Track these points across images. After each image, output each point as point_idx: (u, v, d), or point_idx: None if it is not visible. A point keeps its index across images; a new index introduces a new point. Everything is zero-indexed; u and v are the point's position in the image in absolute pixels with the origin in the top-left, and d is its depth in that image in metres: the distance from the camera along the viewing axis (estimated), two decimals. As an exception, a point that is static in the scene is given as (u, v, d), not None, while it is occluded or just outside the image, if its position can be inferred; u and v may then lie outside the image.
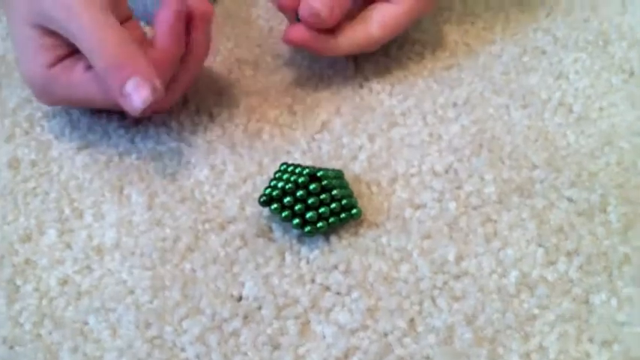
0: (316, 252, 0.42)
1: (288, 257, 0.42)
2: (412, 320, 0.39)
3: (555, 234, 0.42)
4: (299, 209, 0.41)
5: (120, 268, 0.41)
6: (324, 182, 0.41)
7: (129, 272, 0.41)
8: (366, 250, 0.42)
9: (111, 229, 0.43)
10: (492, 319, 0.38)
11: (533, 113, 0.49)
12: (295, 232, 0.43)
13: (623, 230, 0.42)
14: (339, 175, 0.44)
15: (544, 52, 0.54)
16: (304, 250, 0.42)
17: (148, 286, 0.40)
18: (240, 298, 0.40)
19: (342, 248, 0.42)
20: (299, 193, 0.41)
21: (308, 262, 0.41)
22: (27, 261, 0.42)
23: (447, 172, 0.46)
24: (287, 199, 0.41)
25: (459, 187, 0.45)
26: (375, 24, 0.49)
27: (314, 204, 0.41)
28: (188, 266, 0.41)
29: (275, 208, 0.42)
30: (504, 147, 0.47)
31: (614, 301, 0.39)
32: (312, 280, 0.41)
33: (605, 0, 0.59)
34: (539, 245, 0.42)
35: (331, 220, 0.42)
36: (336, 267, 0.41)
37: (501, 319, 0.38)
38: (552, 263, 0.41)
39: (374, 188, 0.45)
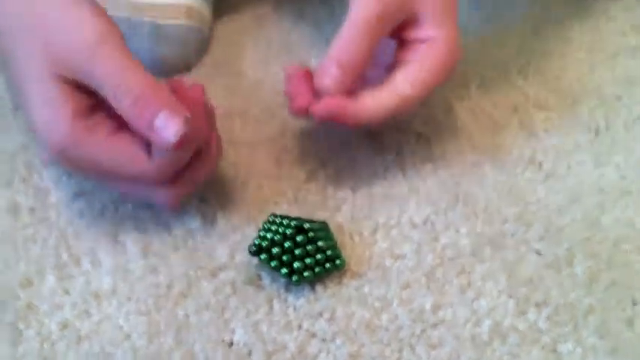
0: (303, 300, 0.44)
1: (277, 305, 0.44)
2: (392, 366, 0.42)
3: (525, 285, 0.45)
4: (287, 259, 0.44)
5: (117, 313, 0.44)
6: (310, 234, 0.44)
7: (125, 318, 0.43)
8: (349, 298, 0.45)
9: (107, 276, 0.45)
10: (467, 367, 0.41)
11: (505, 169, 0.53)
12: (283, 280, 0.45)
13: (588, 282, 0.45)
14: (324, 227, 0.47)
15: (516, 110, 0.58)
16: (291, 298, 0.44)
17: (144, 332, 0.43)
18: (231, 344, 0.42)
19: (327, 297, 0.45)
20: (287, 244, 0.44)
21: (295, 310, 0.44)
22: (29, 305, 0.44)
23: (424, 223, 0.49)
24: (275, 250, 0.44)
25: (435, 239, 0.48)
26: (401, 83, 0.48)
27: (301, 255, 0.44)
28: (181, 312, 0.44)
29: (264, 258, 0.44)
30: (478, 201, 0.50)
31: (579, 350, 0.42)
32: (299, 327, 0.43)
33: (575, 61, 0.63)
34: (510, 296, 0.45)
35: (317, 270, 0.44)
36: (321, 314, 0.44)
37: (475, 366, 0.41)
38: (523, 313, 0.44)
39: (356, 238, 0.48)
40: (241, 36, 0.65)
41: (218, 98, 0.58)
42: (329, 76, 0.47)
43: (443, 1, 0.48)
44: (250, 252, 0.45)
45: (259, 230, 0.46)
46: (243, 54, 0.63)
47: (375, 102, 0.47)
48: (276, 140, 0.55)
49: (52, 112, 0.42)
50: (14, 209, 0.49)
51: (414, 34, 0.49)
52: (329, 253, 0.45)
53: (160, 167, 0.43)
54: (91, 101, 0.43)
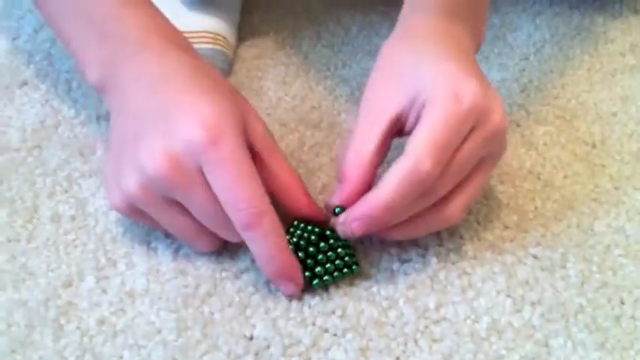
0: (317, 299, 0.49)
1: (293, 303, 0.48)
2: (398, 359, 0.45)
3: (522, 286, 0.49)
4: (310, 263, 0.49)
5: (149, 310, 0.48)
6: (331, 241, 0.49)
7: (157, 314, 0.48)
8: (359, 297, 0.49)
9: (141, 277, 0.50)
10: (465, 359, 0.45)
11: (506, 180, 0.57)
12: (299, 281, 0.50)
13: (579, 284, 0.49)
14: None
15: (518, 125, 0.62)
16: (307, 297, 0.49)
17: (174, 327, 0.47)
18: (252, 338, 0.47)
19: (339, 296, 0.49)
20: (310, 249, 0.49)
21: (310, 308, 0.48)
22: (69, 303, 0.48)
23: (431, 232, 0.53)
24: (300, 254, 0.48)
25: (440, 245, 0.52)
26: (407, 147, 0.45)
27: (322, 260, 0.48)
28: (207, 309, 0.48)
29: None
30: (481, 209, 0.54)
31: (569, 345, 0.46)
32: (313, 323, 0.47)
33: (574, 79, 0.67)
34: (508, 296, 0.49)
35: (335, 274, 0.49)
36: (333, 312, 0.48)
37: (473, 358, 0.45)
38: (518, 311, 0.48)
39: (367, 244, 0.52)
40: (262, 59, 0.70)
41: (241, 116, 0.63)
42: (356, 222, 0.46)
43: (424, 73, 0.47)
44: None
45: (284, 234, 0.50)
46: (264, 75, 0.68)
47: (391, 181, 0.44)
48: (293, 154, 0.59)
49: (229, 108, 0.47)
50: (57, 217, 0.54)
51: (412, 121, 0.48)
52: (347, 259, 0.49)
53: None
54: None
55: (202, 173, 0.45)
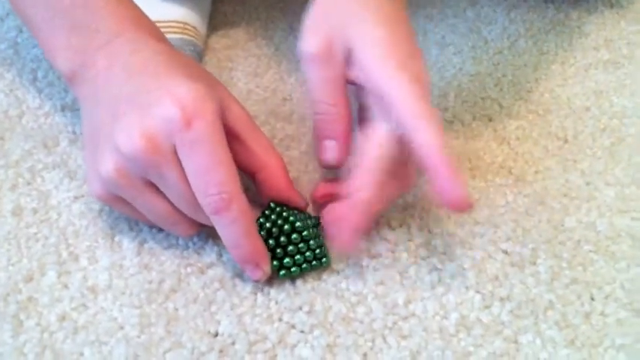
0: (284, 294, 0.48)
1: (260, 298, 0.48)
2: (365, 355, 0.45)
3: (491, 282, 0.49)
4: (279, 253, 0.48)
5: (112, 306, 0.47)
6: (304, 233, 0.48)
7: (119, 310, 0.47)
8: (327, 293, 0.48)
9: (104, 272, 0.49)
10: (433, 356, 0.45)
11: (477, 175, 0.56)
12: (266, 276, 0.49)
13: (549, 280, 0.49)
14: (316, 223, 0.50)
15: (491, 119, 0.61)
16: (273, 292, 0.48)
17: (137, 323, 0.46)
18: (216, 334, 0.46)
19: (307, 291, 0.48)
20: (282, 239, 0.48)
21: (276, 303, 0.47)
22: (29, 299, 0.47)
23: (400, 226, 0.52)
24: (270, 242, 0.47)
25: (410, 240, 0.51)
26: (374, 131, 0.47)
27: (292, 252, 0.48)
28: (171, 305, 0.47)
29: None
30: (451, 204, 0.54)
31: (538, 341, 0.45)
32: (280, 319, 0.47)
33: (548, 74, 0.67)
34: (477, 292, 0.48)
35: (304, 266, 0.48)
36: (300, 308, 0.47)
37: (441, 355, 0.45)
38: (487, 307, 0.47)
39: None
40: (233, 49, 0.69)
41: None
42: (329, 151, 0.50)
43: (379, 64, 0.47)
44: None
45: (259, 217, 0.49)
46: (234, 66, 0.67)
47: (363, 164, 0.47)
48: (263, 147, 0.58)
49: (207, 91, 0.46)
50: (19, 210, 0.53)
51: (354, 76, 0.49)
52: (317, 252, 0.48)
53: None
54: None
55: (177, 154, 0.45)
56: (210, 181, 0.44)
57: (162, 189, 0.46)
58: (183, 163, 0.45)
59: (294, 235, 0.48)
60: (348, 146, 0.50)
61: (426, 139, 0.45)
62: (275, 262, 0.48)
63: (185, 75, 0.47)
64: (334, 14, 0.49)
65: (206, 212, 0.45)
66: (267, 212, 0.49)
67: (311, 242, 0.48)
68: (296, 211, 0.49)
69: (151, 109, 0.45)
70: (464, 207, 0.45)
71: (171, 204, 0.47)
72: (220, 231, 0.46)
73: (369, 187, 0.46)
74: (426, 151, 0.45)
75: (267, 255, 0.47)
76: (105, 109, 0.48)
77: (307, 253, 0.48)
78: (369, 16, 0.48)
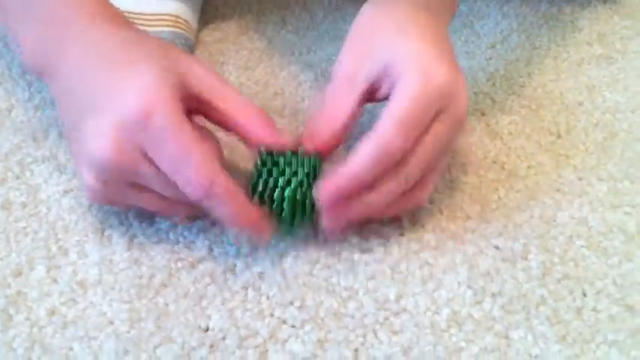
0: (275, 289, 0.47)
1: (251, 293, 0.47)
2: (356, 350, 0.45)
3: (483, 277, 0.48)
4: (276, 211, 0.47)
5: (101, 301, 0.47)
6: (303, 188, 0.47)
7: (109, 305, 0.46)
8: (318, 288, 0.48)
9: (94, 267, 0.48)
10: (425, 351, 0.44)
11: (469, 170, 0.56)
12: (257, 270, 0.48)
13: (541, 275, 0.49)
14: (314, 162, 0.48)
15: (483, 114, 0.61)
16: (264, 287, 0.48)
17: (126, 318, 0.46)
18: (207, 329, 0.45)
19: (298, 286, 0.48)
20: (276, 193, 0.47)
21: (268, 298, 0.47)
22: (19, 293, 0.47)
23: (392, 220, 0.52)
24: (266, 195, 0.47)
25: (401, 234, 0.51)
26: (380, 129, 0.46)
27: (286, 207, 0.47)
28: (162, 300, 0.47)
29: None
30: (444, 199, 0.54)
31: (530, 337, 0.45)
32: (271, 314, 0.46)
33: (541, 68, 0.66)
34: (469, 287, 0.48)
35: (305, 216, 0.48)
36: (292, 303, 0.47)
37: (433, 351, 0.44)
38: (479, 303, 0.47)
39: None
40: (225, 43, 0.69)
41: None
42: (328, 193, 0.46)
43: (402, 48, 0.48)
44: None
45: (253, 177, 0.48)
46: (226, 60, 0.67)
47: (360, 158, 0.45)
48: (255, 141, 0.58)
49: (158, 82, 0.45)
50: (8, 204, 0.52)
51: (385, 88, 0.49)
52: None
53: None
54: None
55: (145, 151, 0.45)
56: (184, 171, 0.44)
57: (147, 185, 0.46)
58: (155, 161, 0.45)
59: (286, 190, 0.47)
60: (333, 140, 0.49)
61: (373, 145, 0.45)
62: (278, 221, 0.47)
63: (138, 61, 0.46)
64: (378, 34, 0.50)
65: (192, 200, 0.45)
66: (260, 167, 0.48)
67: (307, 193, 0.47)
68: (289, 158, 0.48)
69: (109, 113, 0.45)
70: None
71: (161, 195, 0.47)
72: (213, 213, 0.46)
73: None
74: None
75: (264, 217, 0.47)
76: (70, 111, 0.48)
77: (306, 202, 0.47)
78: (414, 34, 0.49)
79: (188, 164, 0.44)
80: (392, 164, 0.46)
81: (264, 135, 0.48)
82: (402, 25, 0.50)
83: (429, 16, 0.51)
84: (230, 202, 0.45)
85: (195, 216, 0.50)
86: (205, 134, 0.47)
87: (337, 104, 0.50)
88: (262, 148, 0.48)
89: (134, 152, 0.44)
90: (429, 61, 0.47)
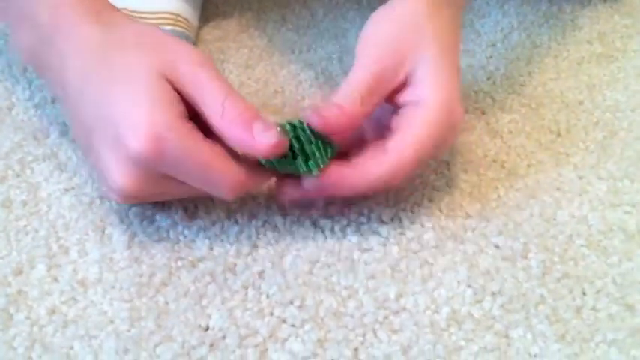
0: (275, 288, 0.48)
1: (250, 292, 0.47)
2: (356, 349, 0.45)
3: (483, 276, 0.49)
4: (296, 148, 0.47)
5: (102, 299, 0.47)
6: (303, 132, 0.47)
7: (110, 304, 0.46)
8: (318, 287, 0.48)
9: (94, 265, 0.49)
10: (424, 350, 0.45)
11: (469, 168, 0.56)
12: (256, 269, 0.48)
13: (540, 274, 0.49)
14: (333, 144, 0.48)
15: (483, 113, 0.61)
16: (264, 286, 0.48)
17: (127, 317, 0.46)
18: (207, 328, 0.45)
19: (298, 285, 0.48)
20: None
21: (267, 297, 0.47)
22: (19, 292, 0.47)
23: (392, 220, 0.52)
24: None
25: (402, 233, 0.51)
26: (394, 145, 0.47)
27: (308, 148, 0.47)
28: (162, 299, 0.47)
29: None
30: (443, 198, 0.54)
31: (529, 336, 0.45)
32: (271, 313, 0.46)
33: (541, 67, 0.66)
34: (469, 286, 0.48)
35: (286, 161, 0.47)
36: (291, 302, 0.47)
37: (432, 349, 0.45)
38: (479, 301, 0.47)
39: (327, 233, 0.51)
40: (225, 41, 0.69)
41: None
42: (328, 110, 0.47)
43: (438, 68, 0.49)
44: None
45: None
46: (226, 58, 0.67)
47: (369, 168, 0.47)
48: (255, 140, 0.58)
49: (161, 105, 0.45)
50: (8, 203, 0.52)
51: (407, 96, 0.49)
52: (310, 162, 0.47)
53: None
54: (187, 109, 0.46)
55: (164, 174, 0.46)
56: (211, 185, 0.46)
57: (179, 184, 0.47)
58: (180, 179, 0.46)
59: (289, 128, 0.47)
60: (347, 122, 0.47)
61: (379, 170, 0.47)
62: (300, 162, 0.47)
63: (137, 71, 0.46)
64: (405, 42, 0.50)
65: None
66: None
67: (307, 146, 0.47)
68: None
69: (122, 148, 0.44)
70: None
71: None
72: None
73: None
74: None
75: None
76: (79, 128, 0.49)
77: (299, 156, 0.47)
78: (435, 49, 0.49)
79: (212, 179, 0.46)
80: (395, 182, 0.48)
81: (239, 144, 0.46)
82: (422, 27, 0.50)
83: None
84: (261, 183, 0.49)
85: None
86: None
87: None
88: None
89: (156, 176, 0.46)
90: (451, 94, 0.48)
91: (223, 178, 0.46)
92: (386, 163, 0.47)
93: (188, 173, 0.45)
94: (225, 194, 0.46)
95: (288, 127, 0.47)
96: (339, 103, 0.47)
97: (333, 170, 0.47)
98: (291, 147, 0.47)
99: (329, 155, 0.47)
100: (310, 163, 0.47)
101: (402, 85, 0.49)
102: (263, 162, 0.47)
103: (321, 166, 0.47)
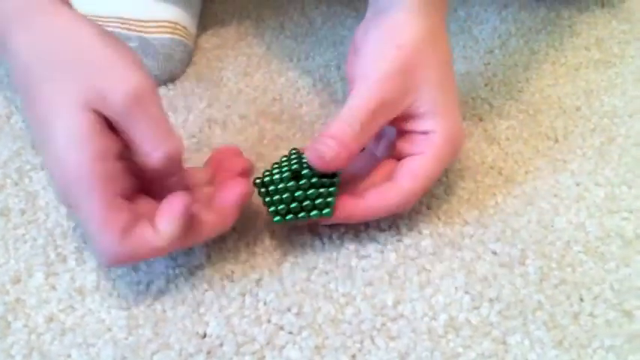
0: (272, 295, 0.48)
1: (248, 300, 0.47)
2: (354, 357, 0.45)
3: (480, 283, 0.49)
4: (276, 199, 0.47)
5: (99, 308, 0.47)
6: (302, 182, 0.47)
7: (107, 312, 0.46)
8: (316, 294, 0.48)
9: (91, 273, 0.49)
10: (422, 357, 0.45)
11: (467, 175, 0.56)
12: (254, 276, 0.49)
13: (538, 281, 0.49)
14: (332, 174, 0.48)
15: (481, 119, 0.61)
16: (262, 293, 0.48)
17: (124, 325, 0.46)
18: (204, 336, 0.45)
19: (295, 292, 0.48)
20: (280, 185, 0.47)
21: (265, 305, 0.47)
22: (17, 300, 0.47)
23: (390, 227, 0.52)
24: (271, 188, 0.48)
25: (399, 240, 0.51)
26: (404, 177, 0.49)
27: (287, 199, 0.47)
28: (159, 307, 0.47)
29: (260, 192, 0.48)
30: (441, 205, 0.54)
31: (527, 342, 0.45)
32: (268, 321, 0.46)
33: (539, 73, 0.66)
34: (466, 292, 0.48)
35: (300, 215, 0.48)
36: (289, 309, 0.47)
37: (430, 356, 0.45)
38: (476, 308, 0.47)
39: (325, 240, 0.51)
40: (223, 49, 0.69)
41: (200, 107, 0.62)
42: (325, 146, 0.47)
43: (442, 95, 0.49)
44: (255, 183, 0.49)
45: (274, 164, 0.50)
46: (224, 65, 0.67)
47: (380, 200, 0.48)
48: (254, 146, 0.58)
49: (72, 147, 0.42)
50: (7, 211, 0.52)
51: (413, 125, 0.50)
52: (318, 202, 0.47)
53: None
54: (114, 146, 0.44)
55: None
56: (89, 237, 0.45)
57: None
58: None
59: (290, 183, 0.47)
60: (348, 156, 0.48)
61: (391, 196, 0.49)
62: (272, 208, 0.48)
63: (49, 119, 0.43)
64: (406, 69, 0.49)
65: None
66: (283, 159, 0.50)
67: (310, 191, 0.47)
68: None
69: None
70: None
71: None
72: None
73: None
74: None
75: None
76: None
77: (306, 202, 0.47)
78: (436, 74, 0.50)
79: (91, 233, 0.43)
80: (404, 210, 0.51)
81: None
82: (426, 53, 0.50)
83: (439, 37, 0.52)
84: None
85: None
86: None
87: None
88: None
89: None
90: (455, 121, 0.50)
91: (98, 238, 0.43)
92: (397, 196, 0.48)
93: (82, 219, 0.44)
94: (98, 257, 0.46)
95: (288, 173, 0.48)
96: (338, 136, 0.47)
97: (347, 203, 0.48)
98: (296, 196, 0.47)
99: (336, 185, 0.48)
100: (326, 211, 0.48)
101: (406, 114, 0.49)
102: (276, 219, 0.48)
103: (334, 203, 0.48)
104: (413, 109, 0.49)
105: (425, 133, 0.49)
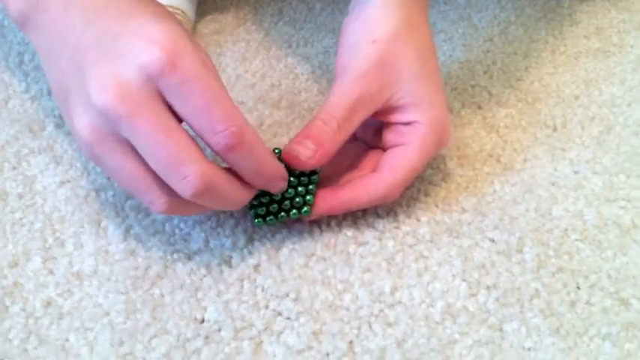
0: (270, 281, 0.48)
1: (246, 285, 0.47)
2: (351, 342, 0.45)
3: (477, 270, 0.49)
4: (256, 202, 0.48)
5: (97, 292, 0.47)
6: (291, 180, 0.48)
7: (105, 296, 0.47)
8: (313, 280, 0.48)
9: (89, 258, 0.49)
10: (419, 343, 0.45)
11: (465, 163, 0.56)
12: (252, 262, 0.49)
13: (535, 269, 0.49)
14: (311, 172, 0.48)
15: (480, 107, 0.61)
16: (260, 279, 0.48)
17: (122, 309, 0.46)
18: (202, 321, 0.45)
19: (293, 278, 0.48)
20: None
21: (263, 290, 0.47)
22: (15, 284, 0.47)
23: (388, 214, 0.52)
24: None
25: (397, 227, 0.51)
26: (386, 169, 0.49)
27: (266, 201, 0.48)
28: (157, 292, 0.47)
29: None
30: (439, 192, 0.54)
31: (523, 330, 0.45)
32: (266, 306, 0.46)
33: (538, 62, 0.66)
34: (463, 280, 0.48)
35: (280, 215, 0.48)
36: (287, 295, 0.47)
37: (427, 343, 0.45)
38: (473, 295, 0.47)
39: (324, 227, 0.51)
40: (222, 34, 0.69)
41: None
42: (302, 146, 0.47)
43: (424, 86, 0.49)
44: None
45: None
46: (223, 51, 0.67)
47: (362, 191, 0.49)
48: (251, 133, 0.58)
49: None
50: (4, 195, 0.52)
51: (396, 117, 0.50)
52: (296, 200, 0.48)
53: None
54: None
55: (160, 99, 0.41)
56: (214, 118, 0.41)
57: (136, 146, 0.41)
58: (177, 108, 0.41)
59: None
60: (325, 155, 0.48)
61: (377, 189, 0.49)
62: (252, 211, 0.48)
63: (154, 12, 0.42)
64: (387, 63, 0.49)
65: (217, 152, 0.42)
66: None
67: (289, 190, 0.48)
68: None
69: (125, 55, 0.40)
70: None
71: (146, 168, 0.42)
72: (238, 165, 0.43)
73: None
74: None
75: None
76: (67, 59, 0.43)
77: (285, 202, 0.48)
78: (417, 66, 0.50)
79: (218, 110, 0.41)
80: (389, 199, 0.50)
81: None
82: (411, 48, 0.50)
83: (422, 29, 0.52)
84: (259, 151, 0.43)
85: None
86: None
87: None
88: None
89: (141, 98, 0.40)
90: (439, 110, 0.50)
91: (229, 115, 0.41)
92: (381, 185, 0.49)
93: (195, 100, 0.41)
94: (224, 137, 0.41)
95: None
96: (314, 136, 0.47)
97: (330, 195, 0.49)
98: (273, 198, 0.48)
99: (315, 183, 0.49)
100: (304, 209, 0.48)
101: (387, 107, 0.49)
102: (256, 222, 0.48)
103: (312, 202, 0.48)
104: (393, 101, 0.49)
105: (409, 124, 0.49)
